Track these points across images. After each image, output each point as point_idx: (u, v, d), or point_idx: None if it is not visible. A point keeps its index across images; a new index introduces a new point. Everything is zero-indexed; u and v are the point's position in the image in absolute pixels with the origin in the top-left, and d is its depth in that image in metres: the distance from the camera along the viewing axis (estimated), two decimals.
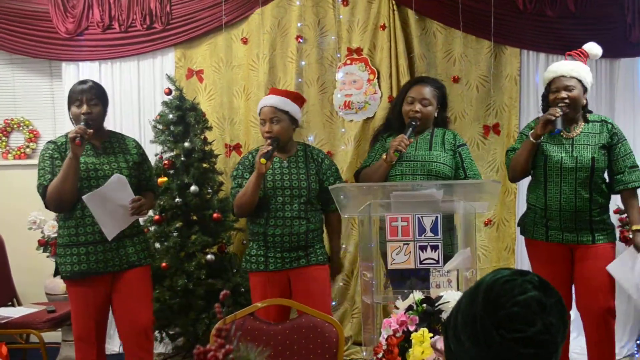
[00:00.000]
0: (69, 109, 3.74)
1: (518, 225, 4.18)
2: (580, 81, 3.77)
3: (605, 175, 3.89)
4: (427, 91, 3.86)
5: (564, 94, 3.75)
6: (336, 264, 4.14)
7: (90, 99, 3.67)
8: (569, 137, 3.83)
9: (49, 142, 3.77)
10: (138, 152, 3.91)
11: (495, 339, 1.40)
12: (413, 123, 3.79)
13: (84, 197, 3.59)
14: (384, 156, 3.79)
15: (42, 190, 3.60)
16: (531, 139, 3.79)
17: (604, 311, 3.80)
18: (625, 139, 3.86)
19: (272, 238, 3.83)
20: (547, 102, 3.86)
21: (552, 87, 3.82)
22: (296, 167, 3.89)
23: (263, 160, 3.64)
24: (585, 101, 3.83)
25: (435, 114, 3.91)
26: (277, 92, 4.00)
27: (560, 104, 3.73)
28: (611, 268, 3.77)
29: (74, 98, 3.68)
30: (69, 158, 3.52)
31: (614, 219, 4.44)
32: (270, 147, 3.68)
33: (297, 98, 3.98)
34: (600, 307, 3.79)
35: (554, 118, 3.69)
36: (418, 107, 3.82)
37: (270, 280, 3.85)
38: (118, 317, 3.82)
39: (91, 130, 3.57)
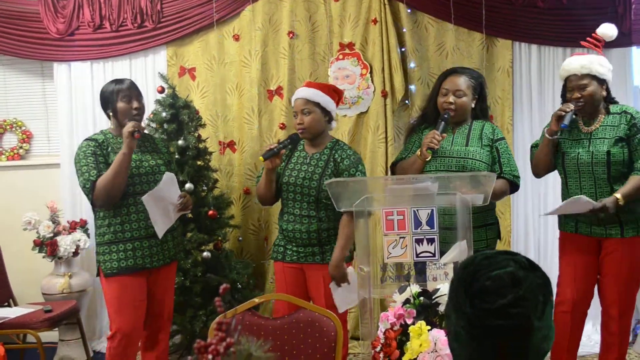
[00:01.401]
0: (113, 105, 3.74)
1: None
2: (594, 76, 3.70)
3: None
4: (462, 82, 3.77)
5: (577, 94, 3.70)
6: (331, 269, 3.69)
7: (138, 95, 3.77)
8: (587, 132, 3.76)
9: (87, 139, 3.77)
10: (167, 151, 4.03)
11: (468, 309, 1.48)
12: (445, 116, 3.73)
13: (143, 198, 3.63)
14: (418, 152, 3.74)
15: (91, 185, 3.59)
16: (546, 135, 3.76)
17: (625, 305, 3.78)
18: None
19: (286, 233, 3.84)
20: (565, 100, 3.81)
21: (568, 86, 3.77)
22: (315, 165, 3.82)
23: (261, 159, 3.65)
24: (605, 93, 3.75)
25: (473, 105, 3.83)
26: (311, 84, 3.93)
27: (573, 102, 3.69)
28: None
29: (122, 94, 3.72)
30: (123, 153, 3.57)
31: None
32: (276, 145, 3.67)
33: (332, 90, 3.89)
34: (622, 300, 3.76)
35: (564, 113, 3.64)
36: (452, 98, 3.75)
37: (288, 270, 3.87)
38: (148, 309, 3.84)
39: (144, 126, 3.63)
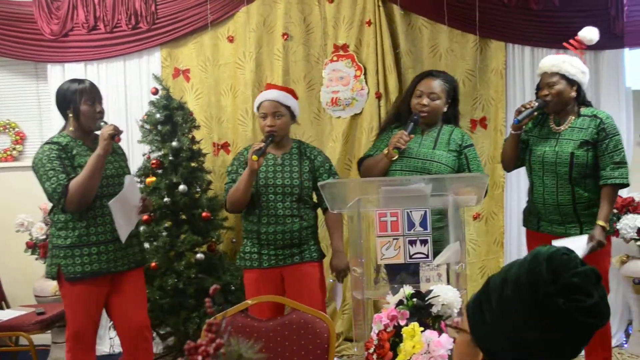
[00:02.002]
0: (75, 106, 3.59)
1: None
2: (563, 75, 3.75)
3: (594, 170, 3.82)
4: (436, 85, 3.79)
5: (545, 92, 3.78)
6: (340, 260, 3.90)
7: (100, 98, 3.69)
8: (556, 132, 3.82)
9: (50, 142, 3.60)
10: (123, 152, 3.91)
11: (558, 306, 1.43)
12: (415, 117, 3.74)
13: (109, 203, 3.54)
14: (385, 151, 3.75)
15: (63, 189, 3.47)
16: (511, 130, 3.87)
17: None
18: (616, 135, 3.75)
19: (266, 236, 3.81)
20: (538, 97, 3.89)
21: (541, 84, 3.84)
22: (289, 165, 3.86)
23: (255, 157, 3.62)
24: (574, 94, 3.78)
25: (445, 109, 3.84)
26: (276, 87, 3.99)
27: (539, 100, 3.80)
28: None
29: (86, 96, 3.59)
30: (98, 155, 3.47)
31: None
32: (263, 144, 3.67)
33: (294, 93, 3.98)
34: None
35: (523, 110, 3.76)
36: (425, 100, 3.77)
37: (264, 278, 3.83)
38: (118, 317, 3.78)
39: (122, 130, 3.59)
